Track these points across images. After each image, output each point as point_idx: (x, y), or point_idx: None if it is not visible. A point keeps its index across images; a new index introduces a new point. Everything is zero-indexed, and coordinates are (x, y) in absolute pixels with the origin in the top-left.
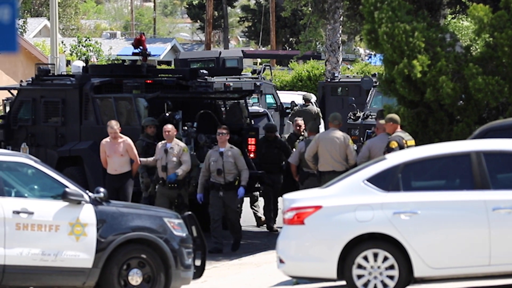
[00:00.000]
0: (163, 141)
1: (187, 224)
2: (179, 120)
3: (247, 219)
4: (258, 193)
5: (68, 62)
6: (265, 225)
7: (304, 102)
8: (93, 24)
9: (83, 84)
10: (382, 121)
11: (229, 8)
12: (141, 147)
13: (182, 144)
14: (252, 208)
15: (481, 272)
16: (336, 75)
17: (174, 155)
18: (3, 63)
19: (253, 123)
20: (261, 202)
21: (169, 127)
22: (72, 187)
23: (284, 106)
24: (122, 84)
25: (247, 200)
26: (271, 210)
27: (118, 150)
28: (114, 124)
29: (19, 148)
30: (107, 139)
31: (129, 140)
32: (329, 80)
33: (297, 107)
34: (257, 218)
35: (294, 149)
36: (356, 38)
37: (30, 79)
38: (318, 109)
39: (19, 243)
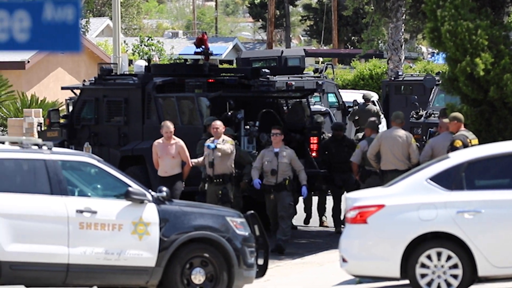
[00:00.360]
0: (211, 138)
1: (249, 223)
2: (241, 119)
3: (312, 219)
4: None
5: (130, 62)
6: (324, 227)
7: (364, 101)
8: (155, 23)
9: (146, 83)
10: (445, 120)
11: (291, 7)
12: (201, 146)
13: (229, 139)
14: (318, 211)
15: None
16: (400, 73)
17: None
18: (66, 63)
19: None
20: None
21: (217, 123)
22: (135, 186)
23: (346, 105)
24: (184, 84)
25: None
26: (339, 211)
27: (170, 152)
28: (170, 125)
29: (82, 148)
30: (160, 140)
31: (181, 142)
32: (392, 78)
33: (357, 106)
34: (320, 220)
35: None
36: (418, 36)
37: (93, 79)
38: (378, 108)
39: (82, 242)
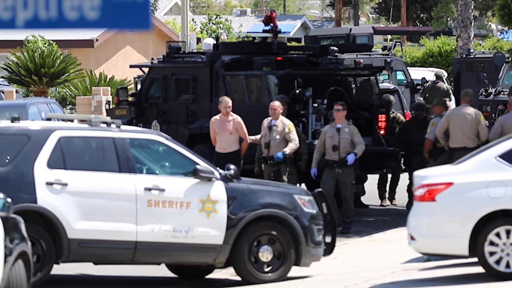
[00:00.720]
0: (268, 118)
1: (317, 201)
2: (309, 97)
3: (375, 197)
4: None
5: (198, 40)
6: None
7: (435, 79)
8: (223, 1)
9: (214, 61)
10: None
11: None
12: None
13: (287, 122)
14: (379, 188)
15: None
16: (471, 51)
17: (277, 132)
18: (135, 41)
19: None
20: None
21: (276, 104)
22: (203, 164)
23: (415, 83)
24: (253, 61)
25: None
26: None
27: (227, 128)
28: (228, 100)
29: (150, 126)
30: (217, 116)
31: (239, 118)
32: (464, 56)
33: (427, 83)
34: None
35: None
36: (488, 14)
37: (161, 57)
38: (449, 86)
39: (150, 219)
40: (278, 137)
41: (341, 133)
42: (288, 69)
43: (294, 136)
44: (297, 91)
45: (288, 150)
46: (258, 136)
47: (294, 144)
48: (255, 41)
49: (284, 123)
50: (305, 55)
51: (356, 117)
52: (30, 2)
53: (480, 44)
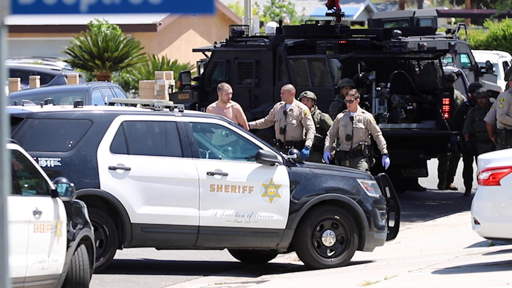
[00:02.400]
0: (282, 102)
1: (380, 185)
2: (373, 80)
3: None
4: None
5: (261, 24)
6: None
7: None
8: None
9: (277, 45)
10: None
11: None
12: (337, 107)
13: (303, 106)
14: (440, 172)
15: None
16: None
17: (294, 117)
18: (198, 25)
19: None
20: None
21: (289, 87)
22: (265, 149)
23: (479, 66)
24: (316, 45)
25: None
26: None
27: (227, 116)
28: (229, 87)
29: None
30: (214, 104)
31: (238, 105)
32: None
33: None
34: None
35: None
36: None
37: (224, 41)
38: None
39: (213, 204)
40: (294, 122)
41: (355, 122)
42: (351, 52)
43: (310, 122)
44: (361, 75)
45: (310, 142)
46: (259, 121)
47: (311, 132)
48: (318, 24)
49: (301, 108)
50: (368, 38)
51: (420, 100)
52: None
53: None
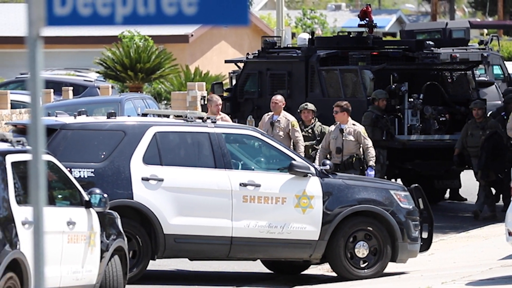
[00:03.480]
0: (269, 113)
1: (413, 196)
2: (405, 91)
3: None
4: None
5: (293, 35)
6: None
7: None
8: None
9: (309, 56)
10: None
11: None
12: (370, 118)
13: (291, 118)
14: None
15: None
16: None
17: (280, 129)
18: (230, 36)
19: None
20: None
21: (278, 98)
22: (298, 160)
23: None
24: (348, 56)
25: None
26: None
27: None
28: (218, 99)
29: (245, 121)
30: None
31: (227, 117)
32: None
33: None
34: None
35: None
36: None
37: (256, 52)
38: None
39: (246, 215)
40: (281, 133)
41: (345, 134)
42: (383, 63)
43: (299, 134)
44: (393, 86)
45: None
46: None
47: (301, 145)
48: (351, 35)
49: (288, 119)
50: (400, 49)
51: (453, 111)
52: None
53: None
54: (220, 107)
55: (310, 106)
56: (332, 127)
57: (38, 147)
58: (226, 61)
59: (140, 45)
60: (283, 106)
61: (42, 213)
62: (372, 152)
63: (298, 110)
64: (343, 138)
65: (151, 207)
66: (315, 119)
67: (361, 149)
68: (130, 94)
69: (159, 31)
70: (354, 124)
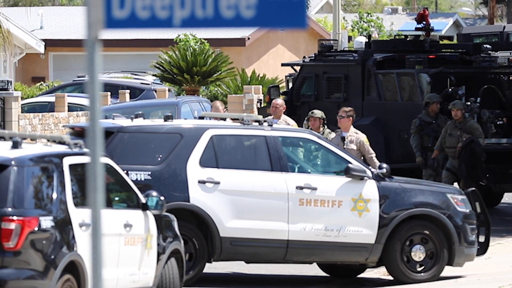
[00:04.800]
0: (269, 117)
1: (470, 200)
2: (462, 95)
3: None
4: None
5: (349, 38)
6: None
7: None
8: None
9: (366, 59)
10: None
11: None
12: (415, 126)
13: (291, 122)
14: None
15: None
16: None
17: None
18: (286, 39)
19: None
20: None
21: (278, 102)
22: (355, 163)
23: None
24: (405, 60)
25: None
26: None
27: None
28: (219, 105)
29: (302, 124)
30: None
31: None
32: None
33: None
34: None
35: None
36: None
37: (313, 55)
38: None
39: (302, 218)
40: None
41: (346, 143)
42: (441, 67)
43: None
44: (450, 90)
45: None
46: None
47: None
48: (408, 39)
49: (288, 123)
50: (458, 53)
51: (510, 115)
52: (187, 1)
53: None
54: (281, 109)
55: (317, 113)
56: (333, 135)
57: (96, 150)
58: (282, 64)
59: (196, 48)
60: (284, 110)
61: (100, 215)
62: (376, 162)
63: (306, 118)
64: (345, 147)
65: (208, 210)
66: (324, 127)
67: (362, 158)
68: (187, 97)
69: (215, 34)
70: (356, 132)
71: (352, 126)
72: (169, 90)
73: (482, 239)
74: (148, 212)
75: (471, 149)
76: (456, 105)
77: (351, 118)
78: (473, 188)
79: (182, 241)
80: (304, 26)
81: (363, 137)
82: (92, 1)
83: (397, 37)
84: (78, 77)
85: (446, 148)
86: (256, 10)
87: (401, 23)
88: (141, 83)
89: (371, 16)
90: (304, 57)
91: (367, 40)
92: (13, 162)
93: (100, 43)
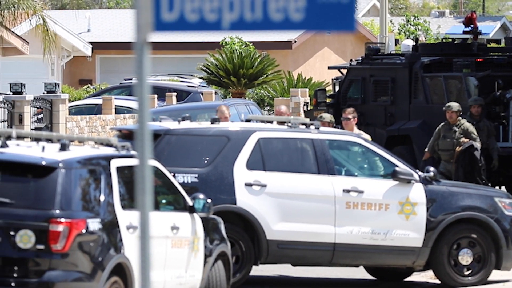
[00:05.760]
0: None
1: None
2: (510, 98)
3: None
4: None
5: (396, 41)
6: None
7: None
8: (421, 2)
9: (413, 63)
10: None
11: None
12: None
13: (366, 136)
14: None
15: None
16: None
17: None
18: (332, 42)
19: None
20: None
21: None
22: (402, 166)
23: None
24: (452, 63)
25: None
26: None
27: None
28: (225, 109)
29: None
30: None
31: (366, 135)
32: None
33: None
34: None
35: None
36: None
37: (360, 58)
38: None
39: (349, 221)
40: None
41: None
42: (488, 70)
43: None
44: (498, 93)
45: None
46: None
47: None
48: (455, 42)
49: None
50: (505, 56)
51: None
52: (236, 3)
53: None
54: (226, 120)
55: (326, 117)
56: None
57: (145, 152)
58: (329, 67)
59: (241, 51)
60: (355, 122)
61: (148, 218)
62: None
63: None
64: None
65: (254, 213)
66: None
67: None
68: (233, 99)
69: (262, 37)
70: (360, 133)
71: (355, 127)
72: (215, 93)
73: None
74: (195, 214)
75: (471, 154)
76: (450, 107)
77: (355, 119)
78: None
79: (229, 244)
80: (353, 29)
81: (367, 138)
82: (142, 4)
83: (444, 40)
84: (125, 79)
85: (439, 151)
86: (305, 13)
87: (448, 26)
88: (188, 86)
89: (418, 19)
90: (351, 60)
91: (414, 43)
92: (61, 165)
93: (149, 45)
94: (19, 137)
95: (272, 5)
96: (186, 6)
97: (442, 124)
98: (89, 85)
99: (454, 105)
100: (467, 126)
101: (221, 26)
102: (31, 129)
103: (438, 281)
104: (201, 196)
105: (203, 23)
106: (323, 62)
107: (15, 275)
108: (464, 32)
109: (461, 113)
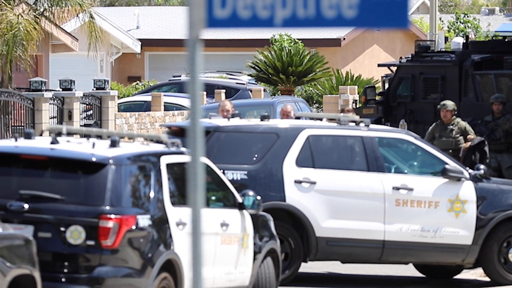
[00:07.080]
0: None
1: None
2: None
3: None
4: None
5: (446, 39)
6: None
7: None
8: (471, 0)
9: (463, 60)
10: None
11: None
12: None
13: (467, 127)
14: None
15: None
16: None
17: None
18: (382, 40)
19: None
20: None
21: (288, 108)
22: (451, 164)
23: None
24: (503, 61)
25: None
26: None
27: None
28: (226, 104)
29: (398, 125)
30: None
31: None
32: None
33: None
34: None
35: None
36: None
37: (410, 56)
38: None
39: (398, 219)
40: None
41: None
42: None
43: None
44: None
45: None
46: None
47: None
48: (506, 40)
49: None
50: None
51: None
52: (289, 0)
53: None
54: (227, 114)
55: (449, 104)
56: None
57: (197, 149)
58: (379, 65)
59: (290, 48)
60: (455, 113)
61: (200, 215)
62: None
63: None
64: None
65: (304, 210)
66: None
67: None
68: (282, 97)
69: (311, 35)
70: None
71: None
72: (264, 90)
73: None
74: (244, 211)
75: (481, 150)
76: (445, 106)
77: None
78: None
79: (278, 241)
80: (406, 26)
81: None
82: (194, 1)
83: (495, 38)
84: (174, 76)
85: None
86: (358, 9)
87: (498, 24)
88: (237, 83)
89: (467, 16)
90: (401, 57)
91: (464, 41)
92: (111, 161)
93: (202, 42)
94: (69, 134)
95: (325, 1)
96: (239, 2)
97: (435, 124)
98: (138, 82)
99: (449, 104)
100: (463, 124)
101: (274, 23)
102: (81, 126)
103: (487, 279)
104: (251, 193)
105: (255, 20)
106: (372, 60)
107: (65, 270)
108: None
109: (455, 112)
